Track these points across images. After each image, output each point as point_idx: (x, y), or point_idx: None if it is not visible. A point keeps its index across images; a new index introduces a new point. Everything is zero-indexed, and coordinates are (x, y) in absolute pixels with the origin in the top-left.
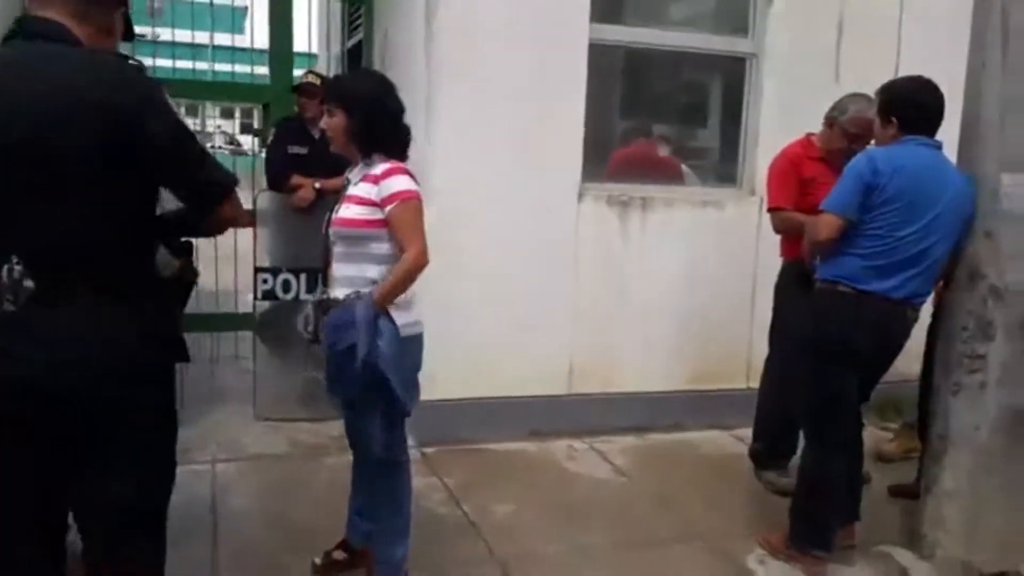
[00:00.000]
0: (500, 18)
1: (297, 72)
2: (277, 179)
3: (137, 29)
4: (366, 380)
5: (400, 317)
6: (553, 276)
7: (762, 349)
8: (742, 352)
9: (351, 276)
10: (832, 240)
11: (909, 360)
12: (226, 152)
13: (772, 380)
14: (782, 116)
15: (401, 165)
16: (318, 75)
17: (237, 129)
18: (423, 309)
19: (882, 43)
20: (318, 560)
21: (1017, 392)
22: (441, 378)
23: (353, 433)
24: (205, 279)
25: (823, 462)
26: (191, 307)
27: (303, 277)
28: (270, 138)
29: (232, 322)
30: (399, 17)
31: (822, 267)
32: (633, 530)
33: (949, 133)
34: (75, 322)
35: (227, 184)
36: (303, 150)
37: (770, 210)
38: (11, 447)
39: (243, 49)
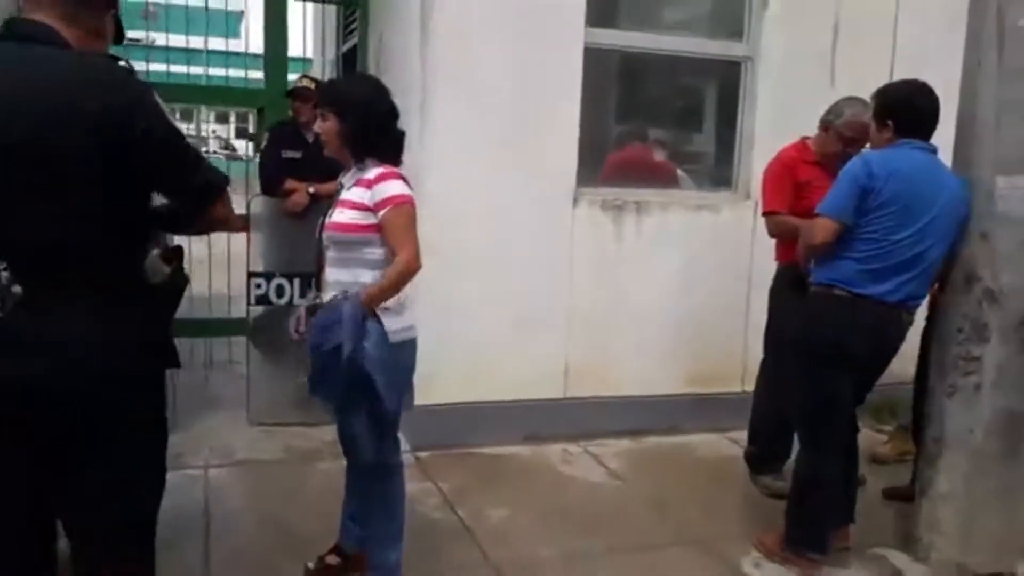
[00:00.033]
0: (495, 22)
1: (292, 76)
2: (271, 183)
3: (132, 33)
4: (351, 380)
5: (394, 322)
6: (548, 280)
7: (757, 352)
8: (737, 355)
9: (344, 281)
10: (827, 244)
11: (904, 362)
12: (221, 157)
13: (767, 383)
14: (777, 120)
15: (395, 170)
16: (312, 79)
17: (232, 134)
18: (418, 313)
19: (877, 46)
20: (311, 565)
21: (1012, 394)
22: (436, 382)
23: (347, 438)
24: (198, 284)
25: (818, 465)
26: (184, 312)
27: (297, 282)
28: (264, 142)
29: (225, 327)
30: (394, 21)
31: (817, 271)
32: (628, 534)
33: (944, 136)
34: (62, 328)
35: (219, 185)
36: (297, 154)
37: (765, 214)
38: None
39: (238, 53)
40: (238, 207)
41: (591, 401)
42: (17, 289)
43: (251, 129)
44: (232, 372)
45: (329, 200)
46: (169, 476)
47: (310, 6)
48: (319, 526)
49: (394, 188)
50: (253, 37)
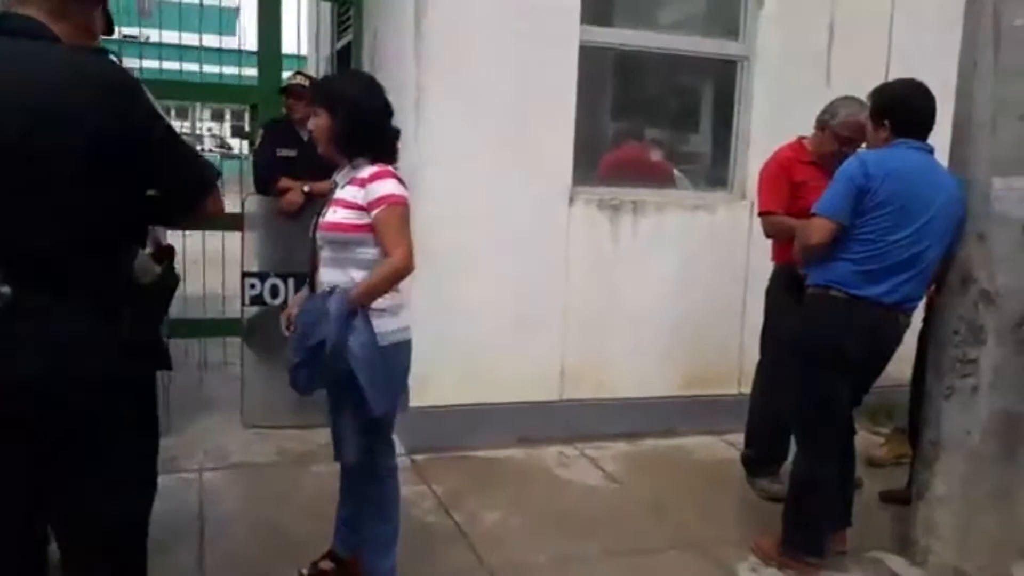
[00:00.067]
0: (490, 19)
1: (287, 74)
2: (265, 182)
3: (126, 30)
4: (334, 377)
5: (389, 323)
6: (544, 280)
7: (754, 354)
8: (733, 357)
9: (338, 281)
10: (824, 244)
11: (900, 365)
12: (216, 154)
13: (764, 385)
14: (773, 119)
15: (389, 168)
16: (306, 76)
17: (228, 131)
18: (412, 314)
19: (873, 46)
20: (305, 571)
21: (1009, 396)
22: (431, 384)
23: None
24: (192, 284)
25: (815, 468)
26: (178, 312)
27: (291, 282)
28: (258, 140)
29: (219, 328)
30: (388, 18)
31: (814, 272)
32: (625, 537)
33: (940, 137)
34: (52, 329)
35: (211, 180)
36: (291, 152)
37: (761, 214)
38: None
39: (232, 51)
40: (232, 206)
41: (587, 403)
42: (6, 289)
43: (247, 127)
44: (226, 373)
45: (324, 199)
46: (163, 479)
47: (304, 2)
48: (313, 530)
49: (387, 187)
50: (249, 34)
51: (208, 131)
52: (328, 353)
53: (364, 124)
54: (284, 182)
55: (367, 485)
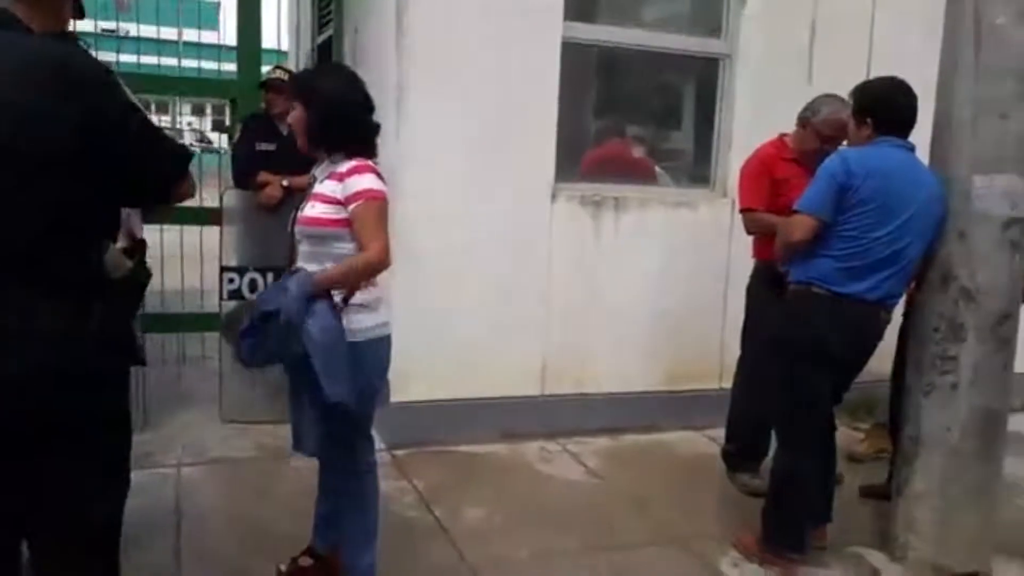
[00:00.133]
0: (472, 14)
1: (266, 69)
2: (243, 176)
3: (104, 24)
4: (286, 354)
5: (367, 318)
6: (526, 276)
7: (734, 349)
8: (714, 352)
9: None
10: (805, 241)
11: (881, 360)
12: (196, 149)
13: (744, 381)
14: (755, 117)
15: (368, 163)
16: (286, 70)
17: (209, 126)
18: (393, 309)
19: (855, 44)
20: (283, 567)
21: (988, 393)
22: (412, 379)
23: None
24: (170, 278)
25: (795, 464)
26: (156, 307)
27: (270, 276)
28: (237, 134)
29: (197, 322)
30: (370, 13)
31: (795, 269)
32: (606, 533)
33: (921, 135)
34: (22, 324)
35: (184, 162)
36: (271, 147)
37: (742, 211)
38: None
39: (211, 45)
40: (211, 200)
41: (569, 399)
42: None
43: (227, 122)
44: (205, 368)
45: (303, 193)
46: (140, 475)
47: None
48: (292, 526)
49: (365, 182)
50: (230, 29)
51: (188, 125)
52: (281, 325)
53: (341, 118)
54: (263, 176)
55: (346, 480)
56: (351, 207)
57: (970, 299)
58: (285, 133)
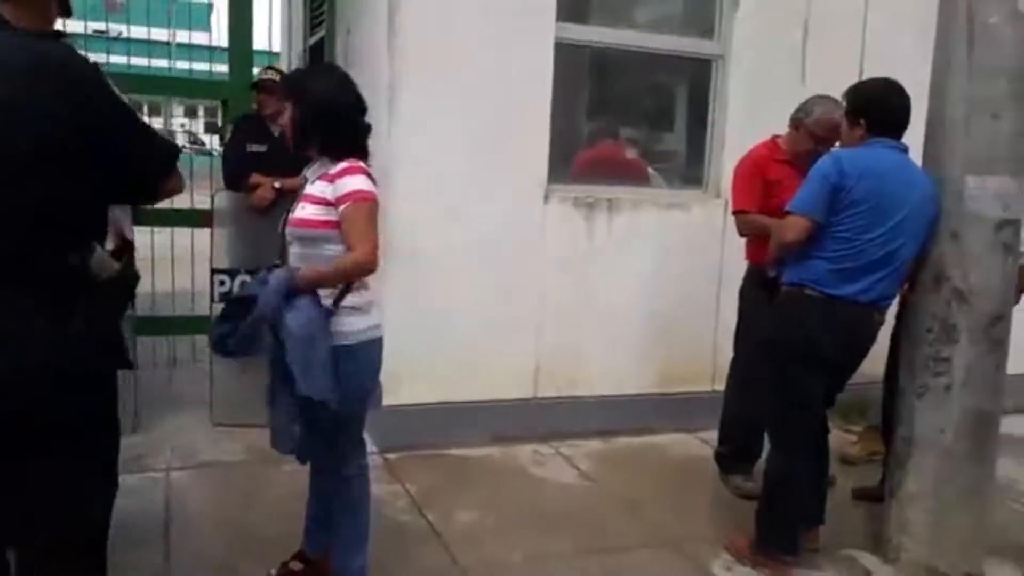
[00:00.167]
0: (465, 15)
1: (258, 70)
2: (234, 178)
3: (94, 25)
4: (257, 344)
5: (359, 320)
6: (519, 278)
7: (727, 351)
8: (707, 354)
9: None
10: (799, 242)
11: (873, 362)
12: (189, 151)
13: (737, 383)
14: (748, 118)
15: (359, 164)
16: (277, 71)
17: (202, 128)
18: (385, 311)
19: (848, 45)
20: (274, 572)
21: (980, 395)
22: (404, 382)
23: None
24: (161, 281)
25: (788, 466)
26: (147, 309)
27: None
28: (228, 135)
29: (188, 325)
30: (362, 14)
31: (788, 271)
32: (599, 536)
33: (914, 135)
34: (8, 325)
35: (172, 158)
36: (262, 148)
37: (735, 213)
38: None
39: (202, 47)
40: (203, 202)
41: (562, 401)
42: None
43: (220, 123)
44: (195, 371)
45: (295, 195)
46: (130, 478)
47: None
48: (283, 530)
49: (356, 183)
50: (222, 30)
51: (181, 127)
52: (255, 316)
53: (332, 118)
54: (255, 178)
55: (337, 484)
56: (340, 208)
57: (963, 300)
58: (277, 134)
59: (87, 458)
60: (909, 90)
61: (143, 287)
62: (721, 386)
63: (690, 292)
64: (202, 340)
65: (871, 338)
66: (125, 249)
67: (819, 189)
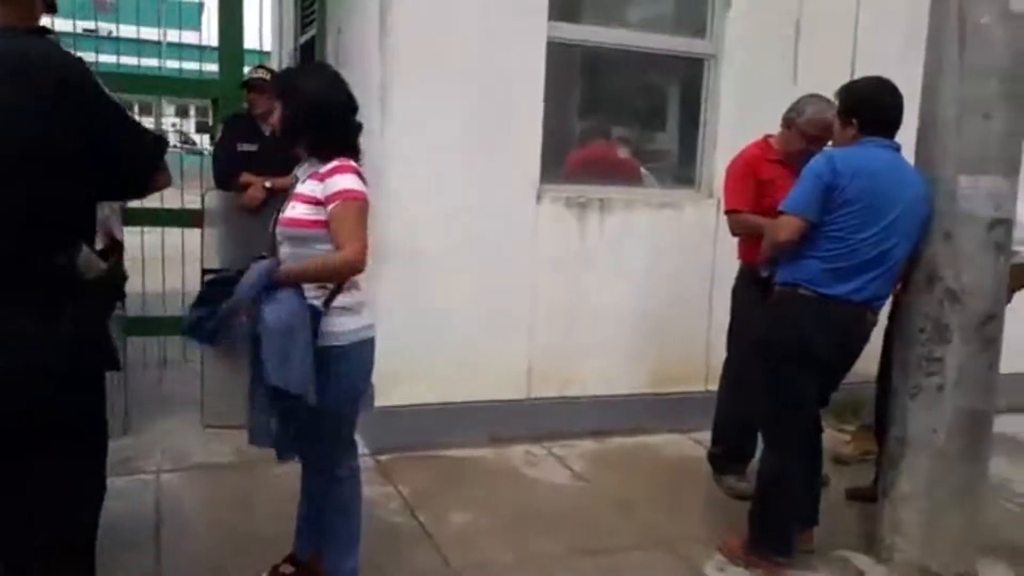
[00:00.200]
0: (457, 14)
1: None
2: (225, 177)
3: (84, 24)
4: (228, 333)
5: (349, 321)
6: (511, 278)
7: (720, 351)
8: (700, 354)
9: None
10: (792, 241)
11: (867, 362)
12: (180, 151)
13: (730, 383)
14: (740, 118)
15: (350, 163)
16: (268, 70)
17: (193, 127)
18: (378, 312)
19: (840, 44)
20: (265, 575)
21: (973, 394)
22: (396, 383)
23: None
24: (152, 281)
25: (782, 466)
26: (137, 310)
27: None
28: (218, 135)
29: (179, 326)
30: (353, 13)
31: (782, 270)
32: (592, 536)
33: (906, 135)
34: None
35: (160, 152)
36: (252, 147)
37: (727, 212)
38: None
39: (192, 46)
40: (194, 202)
41: (555, 402)
42: None
43: (211, 122)
44: (186, 372)
45: (286, 194)
46: (120, 481)
47: None
48: (274, 533)
49: (345, 182)
50: (213, 30)
51: (172, 127)
52: (230, 304)
53: (322, 117)
54: (245, 177)
55: (328, 485)
56: (330, 207)
57: (955, 300)
58: (267, 133)
59: (78, 458)
60: (901, 89)
61: (133, 287)
62: (714, 386)
63: (683, 292)
64: (193, 341)
65: (864, 338)
66: (113, 249)
67: (812, 188)
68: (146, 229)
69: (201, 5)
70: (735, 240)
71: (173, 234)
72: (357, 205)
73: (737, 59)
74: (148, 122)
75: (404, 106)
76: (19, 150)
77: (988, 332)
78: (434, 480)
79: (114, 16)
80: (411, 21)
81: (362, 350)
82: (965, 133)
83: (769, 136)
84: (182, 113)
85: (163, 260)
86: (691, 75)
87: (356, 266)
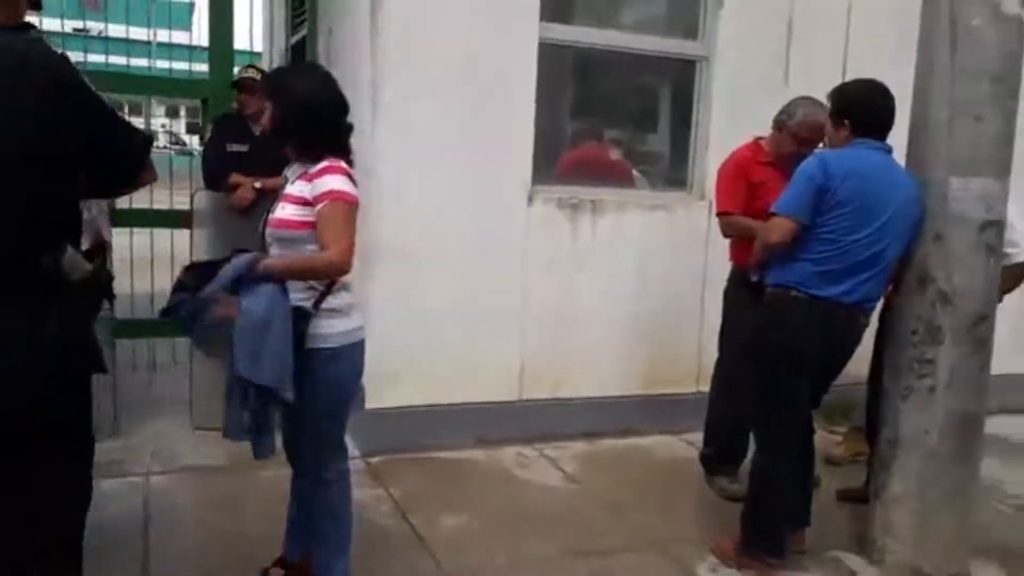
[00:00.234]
0: (448, 14)
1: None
2: (214, 178)
3: (72, 23)
4: (200, 318)
5: (339, 323)
6: (503, 279)
7: (712, 352)
8: (692, 356)
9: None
10: (784, 243)
11: (857, 363)
12: (170, 151)
13: (722, 384)
14: (732, 120)
15: (340, 164)
16: (259, 70)
17: (183, 128)
18: (369, 313)
19: (831, 46)
20: None
21: (964, 396)
22: (387, 385)
23: (292, 444)
24: (141, 283)
25: (774, 468)
26: (126, 312)
27: None
28: (207, 135)
29: (168, 327)
30: (344, 13)
31: (774, 272)
32: (584, 538)
33: (897, 137)
34: None
35: (145, 149)
36: (242, 147)
37: (719, 214)
38: None
39: (182, 46)
40: (183, 203)
41: (546, 403)
42: None
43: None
44: (176, 374)
45: (276, 195)
46: (109, 483)
47: None
48: (264, 536)
49: (334, 183)
50: (205, 30)
51: (162, 127)
52: (205, 294)
53: (313, 117)
54: (235, 178)
55: (317, 488)
56: (317, 207)
57: (947, 302)
58: (258, 134)
59: (65, 462)
60: (893, 91)
61: (122, 289)
62: (706, 387)
63: (674, 293)
64: (182, 343)
65: (856, 340)
66: (100, 250)
67: (804, 190)
68: (135, 230)
69: (192, 5)
70: (727, 242)
71: (162, 235)
72: (345, 206)
73: (729, 61)
74: (138, 123)
75: (395, 106)
76: (19, 150)
77: (980, 333)
78: (426, 482)
79: (103, 16)
80: (402, 21)
81: (352, 352)
82: (957, 135)
83: (760, 138)
84: (172, 114)
85: (152, 261)
86: (683, 77)
87: (340, 267)
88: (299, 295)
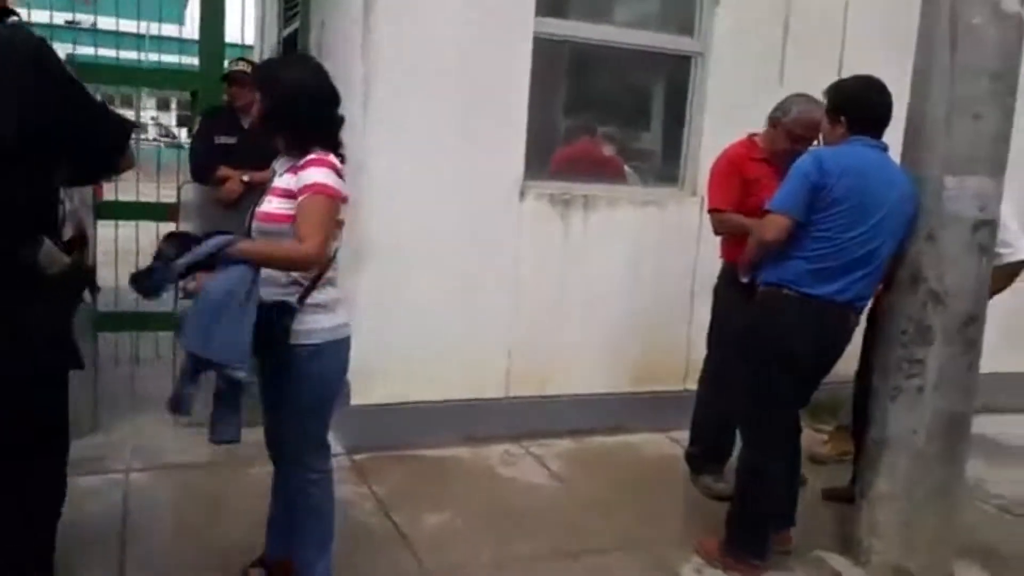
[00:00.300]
0: (441, 8)
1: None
2: (202, 170)
3: (62, 15)
4: (166, 284)
5: (324, 319)
6: (492, 275)
7: (701, 350)
8: (681, 353)
9: (272, 274)
10: (778, 240)
11: (844, 361)
12: (160, 144)
13: (710, 382)
14: (726, 116)
15: (327, 158)
16: (249, 62)
17: (174, 121)
18: (356, 309)
19: (827, 44)
20: None
21: (952, 396)
22: (373, 381)
23: (273, 439)
24: (125, 276)
25: (760, 466)
26: (109, 305)
27: None
28: (195, 127)
29: (152, 321)
30: (336, 6)
31: (766, 270)
32: (569, 538)
33: (892, 135)
34: None
35: (125, 134)
36: (231, 140)
37: (710, 211)
38: None
39: (172, 38)
40: (170, 196)
41: (533, 400)
42: None
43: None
44: (159, 368)
45: (263, 189)
46: (87, 480)
47: None
48: (245, 535)
49: (318, 175)
50: (196, 23)
51: (152, 120)
52: (169, 269)
53: (302, 108)
54: (223, 171)
55: (299, 486)
56: (299, 199)
57: (938, 301)
58: (247, 126)
59: (35, 461)
60: (889, 88)
61: (105, 282)
62: (693, 384)
63: (665, 290)
64: (166, 337)
65: (846, 339)
66: (80, 241)
67: (799, 187)
68: (120, 223)
69: None
70: (718, 239)
71: (148, 228)
72: (326, 200)
73: (724, 57)
74: (128, 115)
75: (387, 101)
76: (13, 136)
77: (970, 334)
78: (410, 480)
79: (92, 8)
80: (395, 15)
81: (337, 349)
82: (955, 133)
83: (754, 135)
84: (163, 106)
85: (137, 254)
86: (678, 73)
87: (313, 260)
88: (284, 289)
